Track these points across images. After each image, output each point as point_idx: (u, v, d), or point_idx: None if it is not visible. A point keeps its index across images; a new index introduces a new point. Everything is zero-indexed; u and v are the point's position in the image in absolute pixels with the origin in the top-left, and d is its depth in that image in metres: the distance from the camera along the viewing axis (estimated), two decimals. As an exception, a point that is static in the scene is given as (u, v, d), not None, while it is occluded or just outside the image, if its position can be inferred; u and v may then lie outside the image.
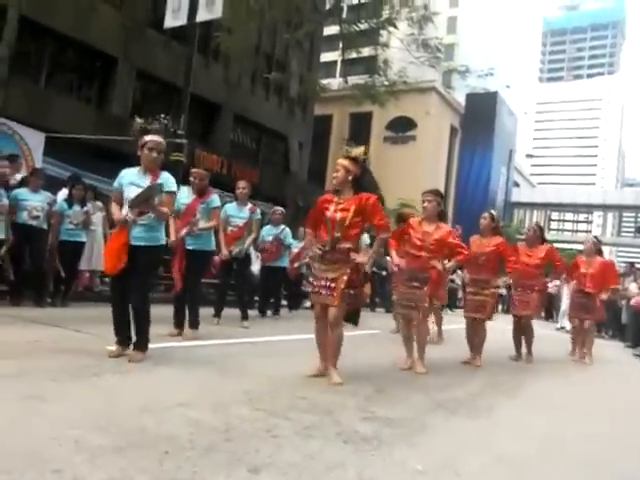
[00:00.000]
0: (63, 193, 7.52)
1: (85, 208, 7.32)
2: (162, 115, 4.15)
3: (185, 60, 10.67)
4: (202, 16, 10.00)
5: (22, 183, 7.15)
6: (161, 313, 5.18)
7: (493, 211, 6.23)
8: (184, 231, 5.35)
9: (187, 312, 5.42)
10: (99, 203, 8.38)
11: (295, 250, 9.42)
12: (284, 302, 9.80)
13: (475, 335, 5.84)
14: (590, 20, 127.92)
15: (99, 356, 3.99)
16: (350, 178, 4.05)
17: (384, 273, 11.87)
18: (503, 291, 6.05)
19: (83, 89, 16.66)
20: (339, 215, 4.00)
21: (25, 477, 1.87)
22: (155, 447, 2.26)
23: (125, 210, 4.00)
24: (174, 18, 10.38)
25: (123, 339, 4.08)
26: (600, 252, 7.46)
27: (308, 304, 11.20)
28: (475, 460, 2.62)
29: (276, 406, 3.12)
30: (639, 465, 2.78)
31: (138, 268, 3.94)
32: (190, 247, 5.39)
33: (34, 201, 6.80)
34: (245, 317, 6.90)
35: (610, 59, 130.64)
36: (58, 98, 14.68)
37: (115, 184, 4.15)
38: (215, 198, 5.64)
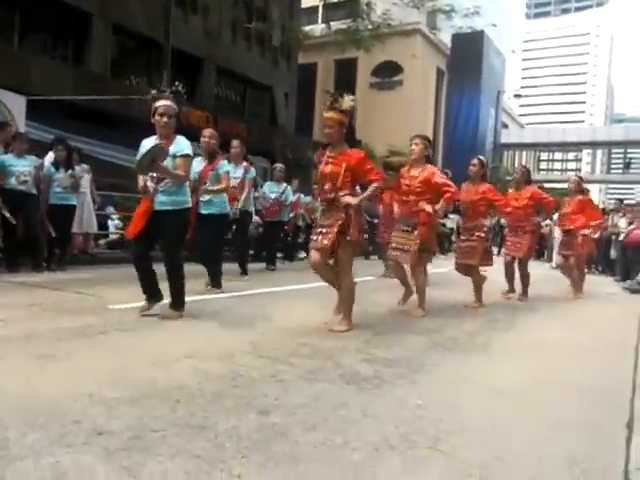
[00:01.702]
0: (50, 157, 7.42)
1: (71, 171, 7.26)
2: (176, 82, 4.21)
3: (163, 13, 10.33)
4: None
5: (6, 149, 7.04)
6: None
7: (482, 157, 6.24)
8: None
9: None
10: (85, 165, 8.29)
11: (293, 200, 9.61)
12: (279, 254, 9.93)
13: (471, 281, 5.95)
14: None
15: (103, 315, 4.07)
16: (344, 131, 4.04)
17: (376, 221, 11.94)
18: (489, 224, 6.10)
19: (58, 48, 16.14)
20: (329, 168, 4.04)
21: (47, 429, 1.97)
22: (167, 397, 2.37)
23: (148, 181, 4.06)
24: (148, -32, 9.98)
25: (150, 296, 4.21)
26: (582, 191, 7.55)
27: (302, 255, 11.33)
28: (472, 393, 2.75)
29: (279, 353, 3.23)
30: (628, 394, 2.91)
31: (165, 232, 4.05)
32: (205, 212, 5.55)
33: (21, 166, 6.72)
34: (245, 272, 7.08)
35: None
36: (33, 59, 14.22)
37: (138, 156, 4.14)
38: (224, 163, 5.77)
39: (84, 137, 10.90)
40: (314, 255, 4.06)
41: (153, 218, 4.01)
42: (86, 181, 8.11)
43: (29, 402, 2.22)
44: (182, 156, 4.05)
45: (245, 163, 6.97)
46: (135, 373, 2.68)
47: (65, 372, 2.67)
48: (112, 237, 10.25)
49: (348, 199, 3.99)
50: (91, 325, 3.69)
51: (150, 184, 4.04)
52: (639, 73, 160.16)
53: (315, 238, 4.10)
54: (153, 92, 4.08)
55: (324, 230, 4.04)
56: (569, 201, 7.40)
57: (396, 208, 5.07)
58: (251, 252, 9.30)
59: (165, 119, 4.01)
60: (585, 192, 7.71)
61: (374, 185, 4.09)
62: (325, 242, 3.96)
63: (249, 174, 6.99)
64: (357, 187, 4.45)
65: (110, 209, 10.43)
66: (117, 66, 17.04)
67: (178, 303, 4.17)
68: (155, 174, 4.00)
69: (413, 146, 4.99)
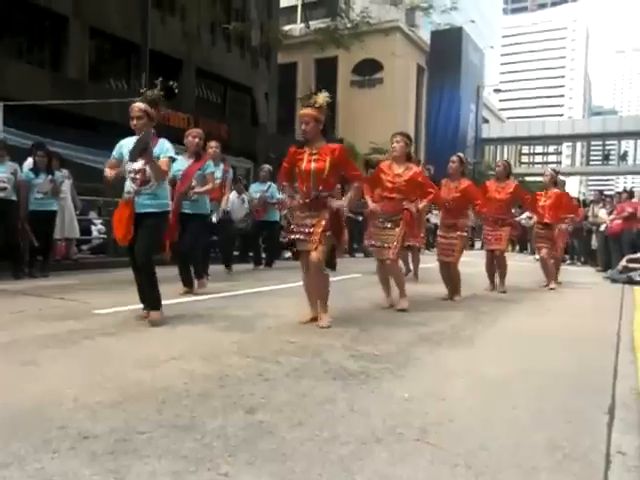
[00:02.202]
0: (29, 162, 7.33)
1: (51, 176, 7.18)
2: (171, 82, 4.17)
3: (140, 15, 10.26)
4: (153, -34, 9.57)
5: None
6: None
7: (461, 154, 6.28)
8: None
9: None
10: (65, 170, 8.20)
11: (279, 197, 9.61)
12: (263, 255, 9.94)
13: (449, 276, 6.00)
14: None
15: (87, 320, 4.04)
16: (320, 127, 4.10)
17: (360, 218, 11.98)
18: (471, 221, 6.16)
19: (34, 52, 15.94)
20: (314, 165, 4.07)
21: (32, 434, 1.95)
22: (153, 398, 2.36)
23: (127, 184, 4.04)
24: (124, -30, 9.90)
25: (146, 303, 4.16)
26: (556, 184, 7.68)
27: (288, 255, 11.32)
28: (459, 385, 2.78)
29: (265, 352, 3.23)
30: (610, 380, 2.97)
31: (142, 231, 3.99)
32: (187, 211, 5.56)
33: (-1, 173, 6.64)
34: (228, 268, 7.30)
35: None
36: (8, 63, 14.03)
37: (114, 153, 4.15)
38: (210, 164, 5.78)
39: (64, 142, 10.78)
40: (316, 256, 4.04)
41: (137, 222, 3.97)
42: (66, 186, 8.03)
43: (13, 408, 2.20)
44: (165, 156, 4.03)
45: (224, 164, 6.95)
46: (120, 376, 2.67)
47: (49, 378, 2.65)
48: (95, 242, 10.14)
49: (338, 203, 4.09)
50: (75, 330, 3.66)
51: (132, 186, 4.01)
52: (615, 66, 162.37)
53: (302, 238, 4.11)
54: (143, 89, 4.06)
55: (308, 230, 4.08)
56: (545, 194, 7.52)
57: (371, 203, 5.04)
58: (236, 253, 9.37)
59: (134, 122, 4.00)
60: (559, 184, 7.84)
61: (356, 185, 4.21)
62: (313, 245, 4.02)
63: (229, 175, 7.04)
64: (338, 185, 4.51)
65: (92, 214, 10.33)
66: (95, 70, 16.88)
67: (154, 302, 4.08)
68: (138, 176, 3.97)
69: (394, 144, 5.03)
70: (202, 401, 2.36)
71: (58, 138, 10.38)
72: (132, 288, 4.23)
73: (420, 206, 5.10)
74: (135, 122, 3.98)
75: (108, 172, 4.10)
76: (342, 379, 2.76)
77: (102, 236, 9.84)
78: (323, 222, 4.03)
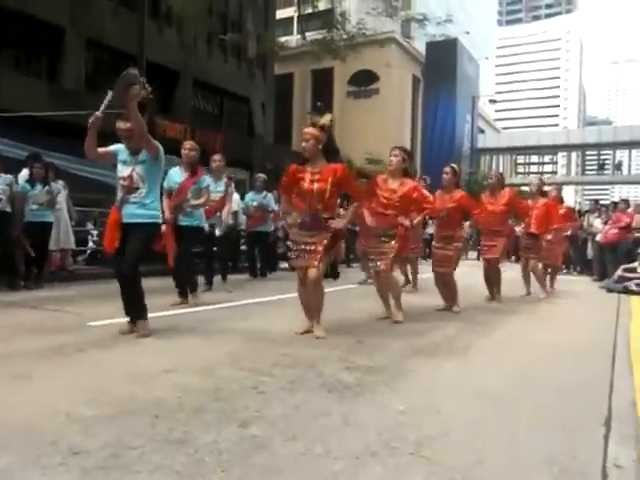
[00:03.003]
0: (24, 174, 7.32)
1: (48, 187, 7.17)
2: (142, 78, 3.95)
3: (137, 26, 10.30)
4: (150, -22, 9.62)
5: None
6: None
7: (454, 165, 6.29)
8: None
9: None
10: (61, 181, 8.20)
11: (275, 207, 9.60)
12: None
13: (445, 287, 5.99)
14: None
15: (81, 333, 4.01)
16: (320, 147, 4.14)
17: (357, 229, 11.97)
18: (466, 233, 6.17)
19: (32, 63, 15.98)
20: (316, 186, 4.10)
21: (22, 450, 1.92)
22: (146, 412, 2.34)
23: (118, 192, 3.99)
24: (120, -18, 9.95)
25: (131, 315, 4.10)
26: (543, 193, 7.70)
27: (284, 265, 11.29)
28: (453, 397, 2.76)
29: (260, 364, 3.21)
30: (606, 392, 2.96)
31: (129, 242, 3.91)
32: (183, 223, 5.61)
33: (-6, 184, 6.62)
34: (224, 279, 7.28)
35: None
36: (5, 75, 14.06)
37: (111, 147, 4.11)
38: (205, 178, 5.83)
39: (60, 153, 10.76)
40: (315, 273, 4.06)
41: (125, 232, 3.91)
42: (62, 197, 8.02)
43: (3, 423, 2.18)
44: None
45: (226, 178, 6.95)
46: (113, 390, 2.64)
47: (41, 391, 2.62)
48: (90, 252, 10.12)
49: (337, 224, 4.13)
50: (69, 343, 3.63)
51: (119, 194, 3.97)
52: (609, 77, 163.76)
53: (298, 255, 4.15)
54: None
55: (309, 248, 4.11)
56: (533, 204, 7.48)
57: (368, 217, 5.05)
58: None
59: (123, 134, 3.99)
60: (547, 194, 7.86)
61: (355, 205, 4.31)
62: (315, 263, 4.05)
63: (231, 189, 7.06)
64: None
65: (89, 225, 10.31)
66: (92, 81, 16.91)
67: (140, 312, 4.01)
68: (125, 183, 3.93)
69: (392, 157, 5.03)
70: (195, 415, 2.34)
71: (54, 149, 10.35)
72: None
73: (415, 221, 5.11)
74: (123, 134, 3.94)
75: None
76: (337, 392, 2.74)
77: (97, 247, 9.82)
78: (325, 241, 4.07)
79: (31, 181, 7.06)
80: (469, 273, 6.99)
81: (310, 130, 4.13)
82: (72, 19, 15.52)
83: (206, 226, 6.30)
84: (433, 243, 6.30)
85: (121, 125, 3.94)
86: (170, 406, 2.43)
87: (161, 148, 4.07)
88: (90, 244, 10.19)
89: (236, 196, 8.88)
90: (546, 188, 8.04)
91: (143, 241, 4.00)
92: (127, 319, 4.08)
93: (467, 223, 6.03)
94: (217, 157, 6.95)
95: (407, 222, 4.94)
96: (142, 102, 3.91)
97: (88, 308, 5.21)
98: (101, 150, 4.01)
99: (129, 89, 3.68)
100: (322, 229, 4.10)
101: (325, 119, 4.13)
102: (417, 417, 2.42)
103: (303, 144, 4.18)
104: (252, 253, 9.35)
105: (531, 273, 7.62)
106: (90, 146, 3.91)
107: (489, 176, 7.52)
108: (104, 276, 8.04)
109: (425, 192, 6.04)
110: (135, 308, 4.03)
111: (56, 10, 14.98)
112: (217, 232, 6.69)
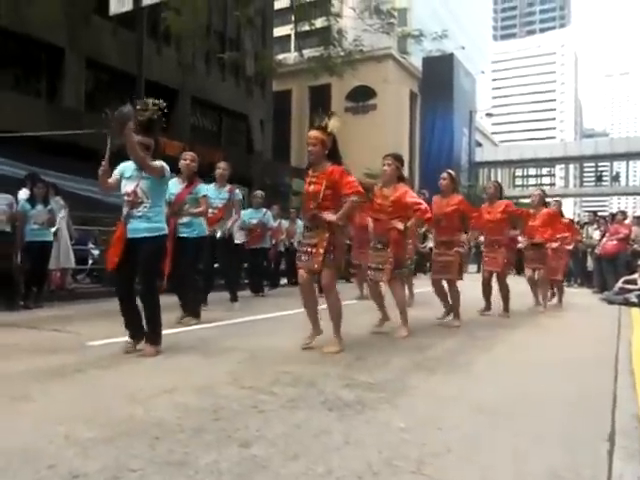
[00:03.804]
0: (24, 193, 7.35)
1: (49, 207, 7.19)
2: (160, 101, 4.03)
3: (135, 46, 10.42)
4: (148, 0, 9.74)
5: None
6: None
7: (451, 170, 6.31)
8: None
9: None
10: (61, 201, 8.22)
11: (273, 224, 9.65)
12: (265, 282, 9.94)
13: (446, 296, 5.97)
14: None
15: (80, 353, 3.99)
16: (326, 152, 4.14)
17: (348, 242, 11.98)
18: (466, 241, 6.14)
19: (31, 83, 16.12)
20: (312, 188, 4.15)
21: (20, 474, 1.91)
22: (145, 434, 2.31)
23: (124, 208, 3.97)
24: (119, 4, 10.07)
25: (134, 333, 4.05)
26: (545, 203, 7.72)
27: (284, 281, 11.30)
28: (455, 413, 2.74)
29: (261, 383, 3.19)
30: (609, 406, 2.94)
31: (140, 261, 3.89)
32: (183, 235, 5.50)
33: (-6, 204, 6.65)
34: (235, 299, 6.96)
35: (561, 12, 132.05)
36: (5, 94, 14.18)
37: (115, 172, 4.07)
38: (202, 187, 5.75)
39: (60, 172, 10.80)
40: (303, 274, 4.16)
41: (129, 246, 3.88)
42: (62, 216, 8.03)
43: (2, 446, 2.15)
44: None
45: (229, 186, 6.87)
46: (112, 411, 2.62)
47: (40, 413, 2.60)
48: (91, 271, 10.12)
49: (327, 216, 4.06)
50: (68, 363, 3.61)
51: (124, 209, 3.97)
52: (604, 90, 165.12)
53: (303, 258, 4.18)
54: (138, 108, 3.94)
55: (310, 250, 4.12)
56: (535, 214, 7.49)
57: (371, 225, 5.14)
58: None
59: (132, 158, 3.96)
60: (549, 205, 7.88)
61: (350, 199, 4.07)
62: (315, 266, 4.06)
63: (236, 196, 6.88)
64: None
65: (90, 244, 10.31)
66: (91, 100, 17.05)
67: (155, 337, 4.01)
68: (130, 198, 3.94)
69: (385, 167, 5.07)
70: (196, 435, 2.32)
71: (54, 168, 10.39)
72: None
73: (409, 224, 5.00)
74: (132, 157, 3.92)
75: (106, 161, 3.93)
76: (338, 409, 2.72)
77: (97, 266, 9.81)
78: (324, 243, 4.04)
79: (31, 201, 7.08)
80: (469, 287, 6.95)
81: (316, 134, 4.11)
82: (71, 39, 15.70)
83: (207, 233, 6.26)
84: (433, 250, 6.28)
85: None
86: (170, 427, 2.41)
87: (166, 167, 4.08)
88: (90, 262, 10.18)
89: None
90: (548, 199, 8.05)
91: (152, 257, 3.99)
92: (128, 338, 4.06)
93: (464, 237, 6.02)
94: (222, 165, 6.85)
95: (400, 225, 4.92)
96: (151, 120, 3.96)
97: (87, 327, 5.19)
98: (111, 180, 4.02)
99: (124, 127, 3.70)
100: (322, 229, 4.09)
101: (332, 123, 4.10)
102: (419, 434, 2.40)
103: (309, 148, 4.15)
104: (252, 269, 9.32)
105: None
106: (104, 182, 3.99)
107: (487, 186, 7.53)
108: (104, 295, 8.03)
109: (415, 195, 6.11)
110: (149, 332, 3.99)
111: (55, 30, 15.16)
112: (218, 234, 6.52)
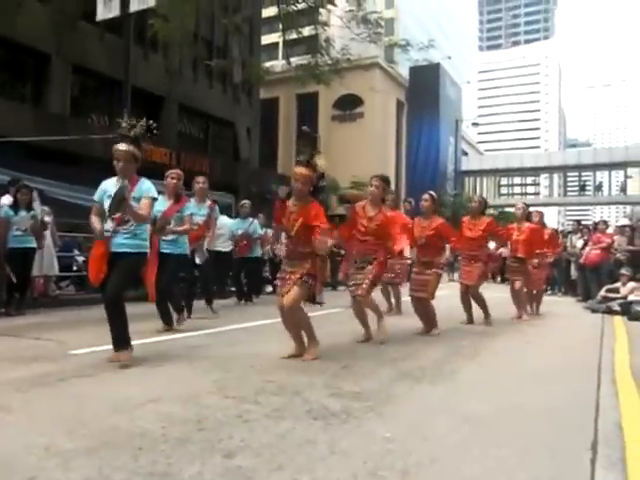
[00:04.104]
0: (7, 199, 7.26)
1: (32, 212, 7.11)
2: (146, 120, 4.06)
3: (122, 52, 10.39)
4: (135, 6, 9.73)
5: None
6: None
7: (432, 192, 6.35)
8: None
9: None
10: (46, 207, 8.13)
11: (261, 232, 9.60)
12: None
13: (423, 312, 6.00)
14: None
15: (63, 362, 3.94)
16: (310, 188, 4.20)
17: (343, 252, 11.99)
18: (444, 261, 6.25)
19: (17, 88, 15.98)
20: (292, 217, 4.20)
21: (-1, 488, 1.88)
22: (128, 444, 2.29)
23: (108, 223, 3.96)
24: (106, 10, 10.05)
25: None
26: (528, 217, 7.82)
27: (269, 289, 11.25)
28: (441, 423, 2.74)
29: (245, 392, 3.17)
30: (593, 415, 2.96)
31: (116, 269, 3.89)
32: (166, 251, 5.53)
33: (-24, 211, 6.56)
34: (210, 305, 7.10)
35: (545, 24, 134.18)
36: (-10, 99, 14.04)
37: (96, 197, 4.08)
38: (189, 205, 5.81)
39: (44, 178, 10.70)
40: (281, 301, 4.21)
41: (111, 260, 3.89)
42: (48, 223, 7.93)
43: (-19, 459, 2.12)
44: (146, 197, 3.99)
45: (209, 201, 6.88)
46: (95, 421, 2.59)
47: (20, 424, 2.56)
48: (75, 278, 10.00)
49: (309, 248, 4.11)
50: (50, 372, 3.57)
51: (110, 225, 3.96)
52: (587, 101, 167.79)
53: (281, 284, 4.26)
54: (124, 123, 3.97)
55: (288, 277, 4.21)
56: (517, 227, 7.62)
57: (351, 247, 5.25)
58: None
59: (121, 164, 3.92)
60: (531, 219, 7.98)
61: (321, 228, 4.06)
62: (286, 289, 4.17)
63: (215, 212, 6.98)
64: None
65: (75, 251, 10.20)
66: (77, 105, 16.95)
67: (123, 341, 3.93)
68: (116, 215, 3.93)
69: (372, 187, 5.17)
70: (180, 446, 2.30)
71: (39, 174, 10.29)
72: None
73: (395, 248, 5.14)
74: (121, 164, 3.91)
75: (96, 223, 3.95)
76: (323, 419, 2.71)
77: (81, 273, 9.71)
78: (303, 271, 4.15)
79: (15, 207, 7.00)
80: (453, 296, 6.99)
81: (303, 172, 4.12)
82: (58, 45, 15.60)
83: (188, 252, 6.30)
84: (413, 268, 6.33)
85: (120, 147, 3.93)
86: (154, 437, 2.39)
87: (154, 196, 4.10)
88: (74, 269, 10.06)
89: (227, 220, 8.83)
90: (530, 208, 8.16)
91: (128, 270, 3.98)
92: (112, 347, 4.01)
93: (448, 247, 6.10)
94: (201, 179, 6.73)
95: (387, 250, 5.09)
96: (137, 136, 3.98)
97: (70, 336, 5.13)
98: (100, 214, 4.02)
99: (123, 203, 3.77)
100: (302, 260, 4.18)
101: (321, 162, 4.16)
102: (404, 444, 2.40)
103: (294, 184, 4.18)
104: (238, 278, 9.28)
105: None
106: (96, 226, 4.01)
107: (472, 200, 7.59)
108: (88, 302, 7.96)
109: (403, 218, 6.32)
110: (117, 337, 3.95)
111: (41, 36, 15.05)
112: (197, 260, 6.59)
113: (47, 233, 7.95)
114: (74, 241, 10.19)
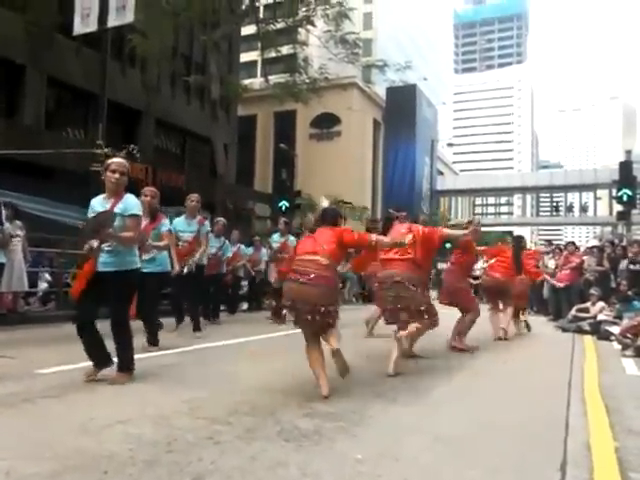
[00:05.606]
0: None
1: (1, 227, 6.96)
2: (131, 145, 4.15)
3: (99, 66, 10.33)
4: (113, 22, 9.71)
5: None
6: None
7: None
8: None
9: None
10: (18, 222, 7.95)
11: (229, 255, 9.45)
12: (222, 307, 9.75)
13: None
14: (496, 13, 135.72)
15: (29, 381, 3.84)
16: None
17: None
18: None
19: (-11, 100, 15.74)
20: None
21: (-43, 515, 1.81)
22: (95, 468, 2.23)
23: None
24: (83, 25, 10.01)
25: (96, 362, 3.94)
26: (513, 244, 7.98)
27: (245, 307, 11.18)
28: (413, 444, 2.74)
29: (217, 412, 3.13)
30: (562, 435, 2.99)
31: (112, 293, 3.89)
32: (146, 270, 5.30)
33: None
34: (198, 328, 6.83)
35: (518, 49, 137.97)
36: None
37: (88, 215, 4.04)
38: (165, 223, 5.77)
39: (15, 192, 10.50)
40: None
41: (97, 279, 3.84)
42: (18, 239, 7.76)
43: (-62, 484, 2.05)
44: (131, 216, 3.96)
45: (199, 217, 6.89)
46: (60, 443, 2.52)
47: (-18, 447, 2.48)
48: (43, 293, 9.78)
49: None
50: (14, 392, 3.46)
51: (94, 242, 3.88)
52: (558, 124, 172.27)
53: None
54: (106, 150, 4.06)
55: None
56: (505, 250, 7.77)
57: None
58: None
59: (117, 175, 3.93)
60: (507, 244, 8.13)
61: None
62: None
63: (204, 228, 6.94)
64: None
65: (42, 267, 9.99)
66: (52, 118, 16.73)
67: (127, 365, 3.95)
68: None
69: None
70: (147, 469, 2.25)
71: (12, 188, 10.08)
72: (79, 344, 4.04)
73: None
74: (118, 176, 3.93)
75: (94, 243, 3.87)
76: (295, 440, 2.69)
77: (51, 289, 9.51)
78: None
79: (-17, 221, 6.85)
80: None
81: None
82: (33, 57, 15.42)
83: (177, 267, 6.25)
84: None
85: (117, 160, 3.97)
86: (121, 460, 2.33)
87: (139, 213, 4.09)
88: (44, 285, 9.84)
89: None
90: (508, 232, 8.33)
91: (122, 290, 3.98)
92: (91, 364, 3.95)
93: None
94: (194, 197, 6.88)
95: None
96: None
97: (37, 353, 5.01)
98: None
99: (102, 230, 3.77)
100: None
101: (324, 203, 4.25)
102: (375, 466, 2.39)
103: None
104: (206, 296, 9.05)
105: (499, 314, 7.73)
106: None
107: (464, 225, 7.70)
108: (56, 319, 7.77)
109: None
110: (122, 359, 3.95)
111: (16, 47, 14.87)
112: (185, 269, 6.49)
113: (18, 248, 7.78)
114: (42, 256, 9.97)
